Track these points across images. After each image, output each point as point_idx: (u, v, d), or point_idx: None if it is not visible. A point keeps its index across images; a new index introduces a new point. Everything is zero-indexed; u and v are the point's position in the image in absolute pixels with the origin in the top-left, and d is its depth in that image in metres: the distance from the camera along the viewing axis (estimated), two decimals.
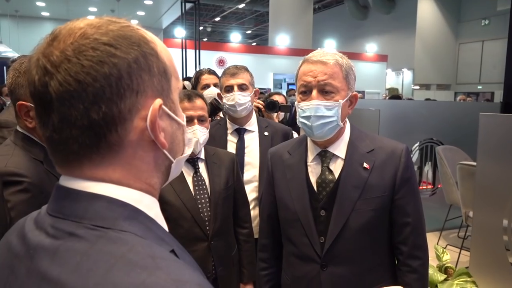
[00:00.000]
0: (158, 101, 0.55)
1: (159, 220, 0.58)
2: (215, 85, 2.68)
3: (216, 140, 2.15)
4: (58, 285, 0.46)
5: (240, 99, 2.11)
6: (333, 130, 1.33)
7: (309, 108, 1.30)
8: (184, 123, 0.64)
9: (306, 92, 1.32)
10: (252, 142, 2.19)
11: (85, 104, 0.50)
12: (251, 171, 2.14)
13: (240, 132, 2.20)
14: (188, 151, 0.66)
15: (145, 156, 0.56)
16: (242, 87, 2.14)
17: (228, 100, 2.14)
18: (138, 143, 0.55)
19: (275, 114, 2.87)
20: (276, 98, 3.11)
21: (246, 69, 2.22)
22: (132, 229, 0.51)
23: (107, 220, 0.51)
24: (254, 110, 2.29)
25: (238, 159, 2.10)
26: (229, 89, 2.15)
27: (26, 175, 1.22)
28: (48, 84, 0.51)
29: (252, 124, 2.23)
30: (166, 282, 0.45)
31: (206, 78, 2.73)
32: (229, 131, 2.21)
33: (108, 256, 0.47)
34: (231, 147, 2.17)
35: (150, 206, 0.57)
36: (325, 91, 1.29)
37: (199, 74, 2.84)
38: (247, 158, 2.15)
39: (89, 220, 0.51)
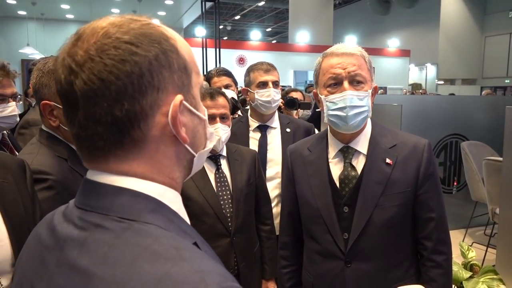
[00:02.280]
0: (179, 97, 0.57)
1: (182, 214, 0.60)
2: (227, 86, 2.65)
3: (238, 137, 2.16)
4: (86, 274, 0.48)
5: (275, 96, 2.13)
6: (364, 120, 1.33)
7: (343, 99, 1.29)
8: (206, 117, 0.65)
9: (336, 84, 1.31)
10: (274, 138, 2.19)
11: (109, 102, 0.52)
12: (274, 168, 2.14)
13: (262, 129, 2.20)
14: (210, 145, 0.67)
15: (167, 151, 0.58)
16: (276, 84, 2.16)
17: (261, 96, 2.13)
18: (160, 138, 0.56)
19: (295, 111, 2.86)
20: (294, 95, 3.09)
21: (275, 67, 2.24)
22: (156, 222, 0.53)
23: (133, 213, 0.53)
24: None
25: (261, 156, 2.11)
26: (262, 84, 2.15)
27: (51, 173, 1.25)
28: (73, 82, 0.53)
29: (274, 121, 2.23)
30: (189, 272, 0.46)
31: (216, 81, 2.69)
32: (251, 128, 2.21)
33: (134, 247, 0.49)
34: (253, 144, 2.18)
35: (173, 200, 0.59)
36: (356, 81, 1.30)
37: (208, 77, 2.78)
38: (269, 155, 2.16)
39: (115, 213, 0.53)
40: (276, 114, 2.26)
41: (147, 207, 0.54)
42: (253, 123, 2.22)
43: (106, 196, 0.54)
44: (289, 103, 2.71)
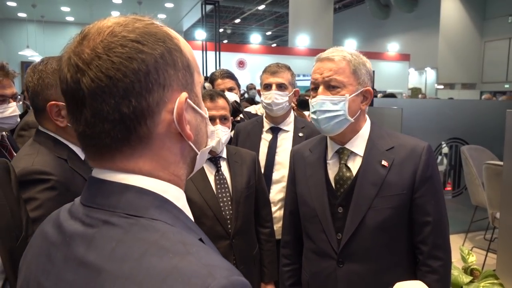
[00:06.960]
0: (184, 95, 0.58)
1: (186, 211, 0.61)
2: (230, 89, 2.64)
3: (251, 137, 2.18)
4: (94, 269, 0.49)
5: (277, 98, 2.11)
6: (341, 124, 1.33)
7: (316, 103, 1.33)
8: (207, 115, 0.66)
9: (315, 89, 1.36)
10: (285, 142, 2.18)
11: (116, 98, 0.53)
12: (281, 171, 2.12)
13: (274, 131, 2.20)
14: (211, 143, 0.68)
15: (172, 148, 0.59)
16: (281, 86, 2.14)
17: (265, 98, 2.13)
18: (166, 135, 0.57)
19: (308, 112, 2.85)
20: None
21: (287, 68, 2.21)
22: (162, 218, 0.54)
23: (139, 209, 0.54)
24: (292, 110, 2.27)
25: (269, 158, 2.11)
26: (267, 87, 2.15)
27: (53, 173, 1.23)
28: (80, 80, 0.53)
29: (288, 124, 2.21)
30: (197, 267, 0.47)
31: (220, 83, 2.67)
32: (264, 129, 2.21)
33: (142, 242, 0.49)
34: (264, 145, 2.17)
35: (177, 197, 0.60)
36: (331, 86, 1.32)
37: (212, 78, 2.76)
38: (278, 158, 2.14)
39: (122, 209, 0.54)
40: (292, 117, 2.24)
41: (153, 204, 0.55)
42: (266, 125, 2.22)
43: (113, 194, 0.55)
44: (301, 104, 2.70)
